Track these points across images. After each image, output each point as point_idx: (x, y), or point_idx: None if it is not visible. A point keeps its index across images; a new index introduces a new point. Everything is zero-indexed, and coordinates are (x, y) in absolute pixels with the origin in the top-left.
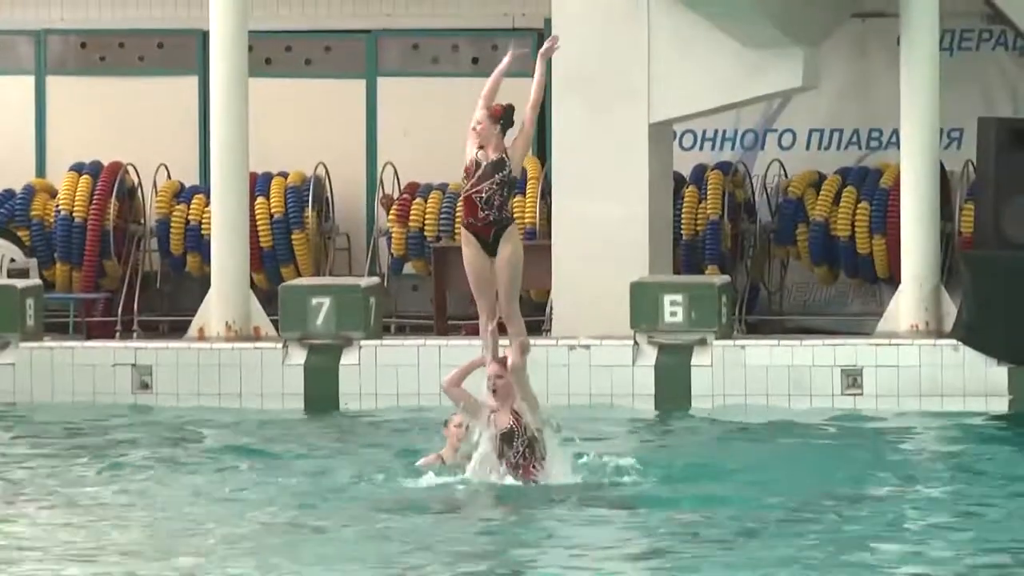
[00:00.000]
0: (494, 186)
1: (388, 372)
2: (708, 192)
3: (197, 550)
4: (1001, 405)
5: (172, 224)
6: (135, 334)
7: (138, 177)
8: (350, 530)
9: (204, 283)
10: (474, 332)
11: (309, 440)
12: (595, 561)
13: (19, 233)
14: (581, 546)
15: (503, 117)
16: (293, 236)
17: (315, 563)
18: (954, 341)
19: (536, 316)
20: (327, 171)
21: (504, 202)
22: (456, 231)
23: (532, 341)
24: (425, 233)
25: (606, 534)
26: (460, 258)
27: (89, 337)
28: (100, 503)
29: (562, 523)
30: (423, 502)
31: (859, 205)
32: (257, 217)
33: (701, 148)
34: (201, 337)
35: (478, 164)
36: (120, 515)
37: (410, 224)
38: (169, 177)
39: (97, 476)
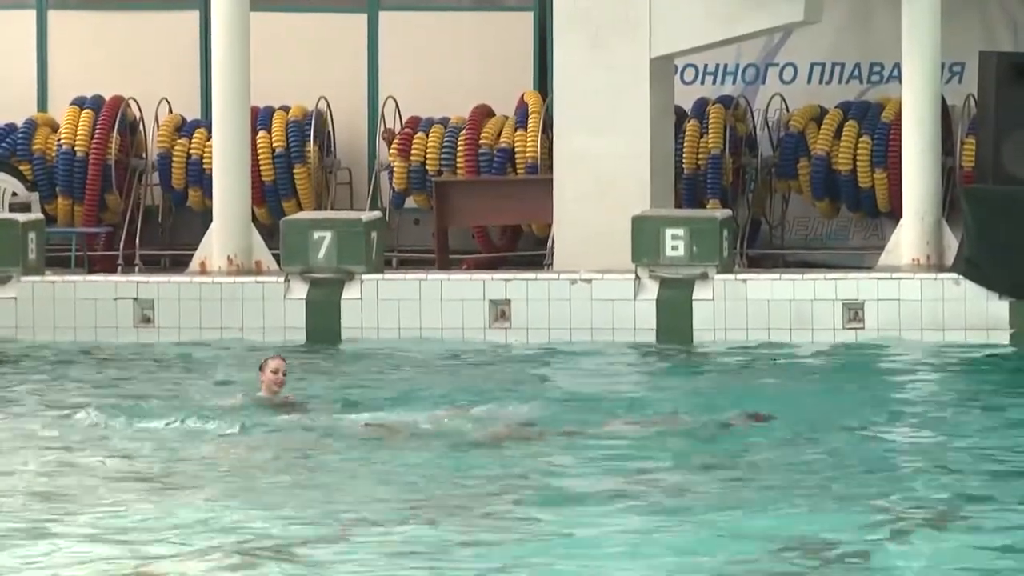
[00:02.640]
0: None
1: (390, 306)
2: (709, 126)
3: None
4: (1002, 339)
5: (174, 158)
6: (137, 268)
7: (140, 111)
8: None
9: (206, 217)
10: (475, 266)
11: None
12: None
13: (21, 167)
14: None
15: None
16: (295, 170)
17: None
18: (955, 275)
19: (538, 251)
20: (329, 105)
21: None
22: (457, 164)
23: (535, 275)
24: (427, 167)
25: (603, 473)
26: (462, 192)
27: (91, 271)
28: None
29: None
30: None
31: (860, 139)
32: (259, 151)
33: (702, 82)
34: (203, 271)
35: None
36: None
37: (412, 158)
38: (171, 111)
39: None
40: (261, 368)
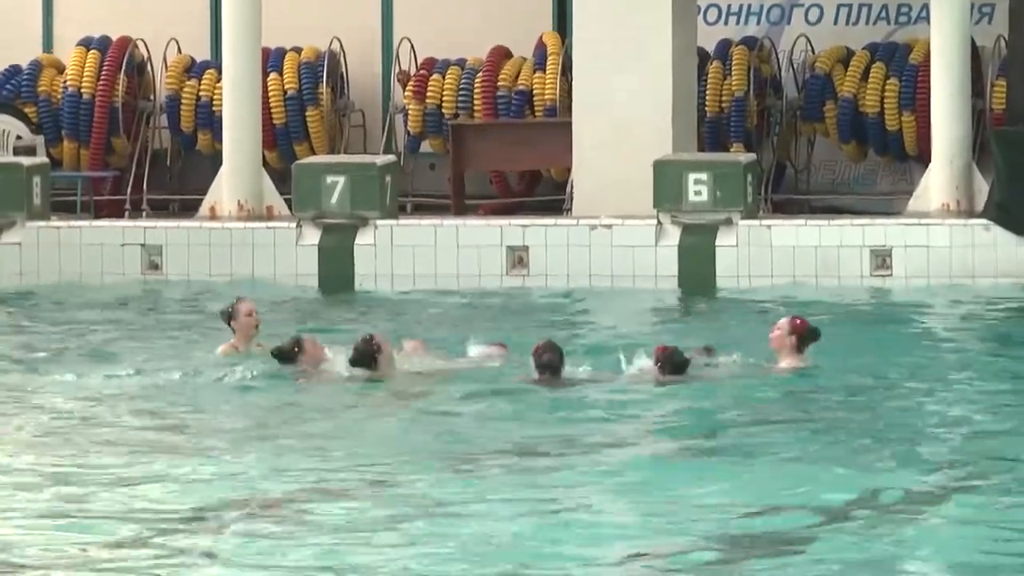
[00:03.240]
0: None
1: (404, 252)
2: (733, 68)
3: None
4: None
5: (182, 100)
6: (144, 213)
7: (147, 52)
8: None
9: (215, 161)
10: (492, 212)
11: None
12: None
13: (26, 110)
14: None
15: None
16: (307, 113)
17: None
18: (985, 220)
19: (557, 195)
20: (342, 46)
21: None
22: (474, 107)
23: (553, 221)
24: (442, 110)
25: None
26: (478, 135)
27: (97, 216)
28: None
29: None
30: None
31: (888, 81)
32: (270, 93)
33: (726, 23)
34: (212, 216)
35: None
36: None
37: (427, 100)
38: (179, 52)
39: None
40: (232, 315)
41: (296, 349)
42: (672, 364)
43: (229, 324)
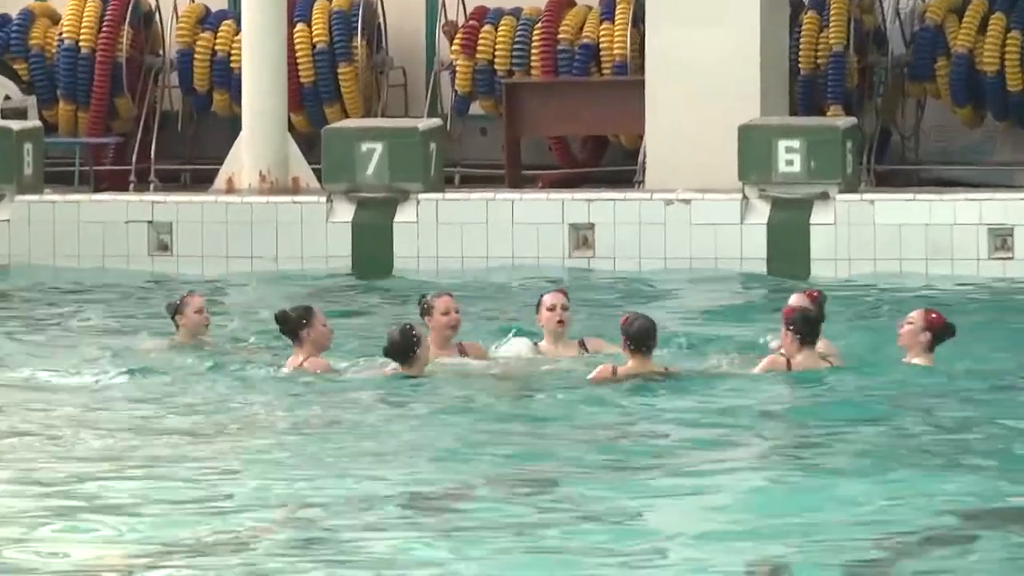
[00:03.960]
0: None
1: (451, 231)
2: (831, 19)
3: None
4: None
5: (196, 55)
6: (152, 185)
7: (155, 0)
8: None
9: (234, 125)
10: (552, 184)
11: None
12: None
13: (15, 66)
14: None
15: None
16: (339, 70)
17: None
18: None
19: (627, 165)
20: None
21: None
22: (531, 63)
23: (623, 195)
24: (495, 66)
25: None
26: (536, 96)
27: (97, 189)
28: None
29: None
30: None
31: (1009, 35)
32: (296, 47)
33: None
34: (230, 189)
35: None
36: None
37: (477, 56)
38: (192, 0)
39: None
40: (178, 310)
41: (304, 321)
42: (806, 324)
43: (174, 319)
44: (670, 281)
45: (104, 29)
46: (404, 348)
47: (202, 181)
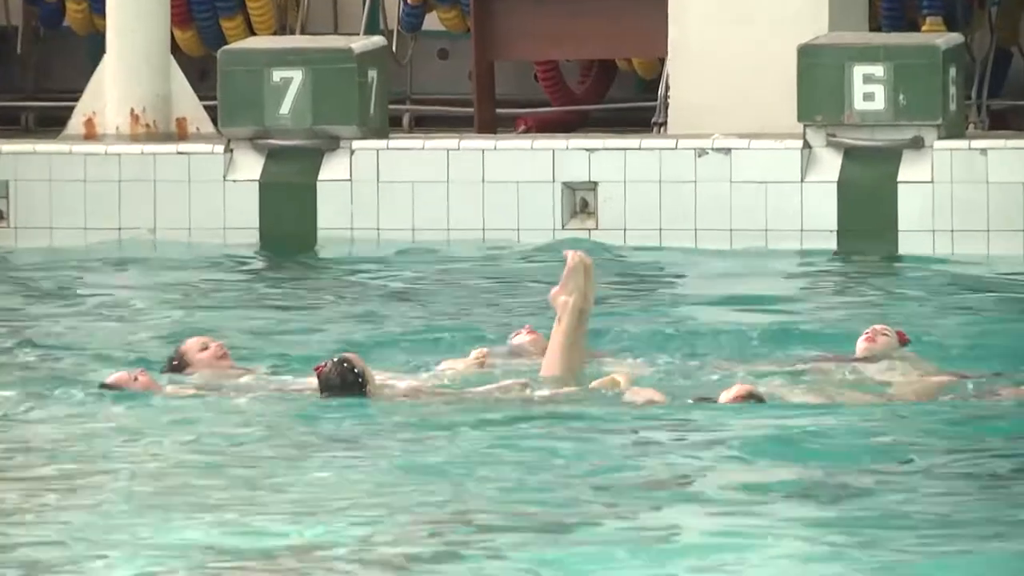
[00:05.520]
0: None
1: (398, 192)
2: None
3: None
4: None
5: None
6: None
7: None
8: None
9: (94, 46)
10: (539, 126)
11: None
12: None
13: None
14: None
15: None
16: None
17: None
18: None
19: (644, 101)
20: None
21: None
22: None
23: (636, 142)
24: None
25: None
26: (517, 5)
27: None
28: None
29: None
30: None
31: None
32: None
33: None
34: (89, 135)
35: None
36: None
37: None
38: None
39: None
40: (184, 363)
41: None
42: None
43: (180, 372)
44: (701, 263)
45: None
46: (348, 388)
47: (51, 124)
